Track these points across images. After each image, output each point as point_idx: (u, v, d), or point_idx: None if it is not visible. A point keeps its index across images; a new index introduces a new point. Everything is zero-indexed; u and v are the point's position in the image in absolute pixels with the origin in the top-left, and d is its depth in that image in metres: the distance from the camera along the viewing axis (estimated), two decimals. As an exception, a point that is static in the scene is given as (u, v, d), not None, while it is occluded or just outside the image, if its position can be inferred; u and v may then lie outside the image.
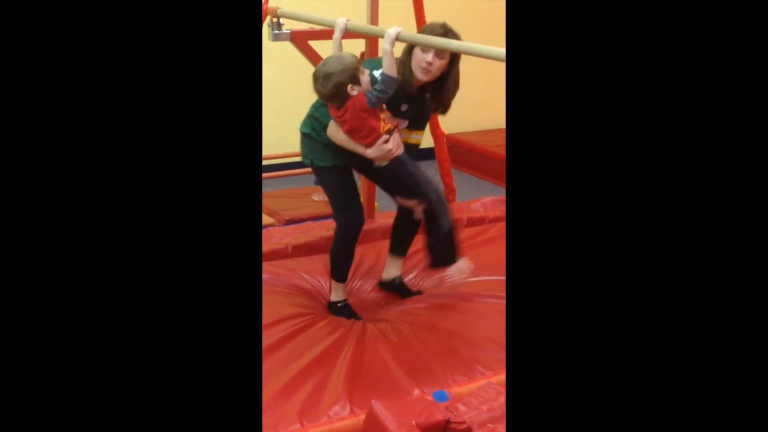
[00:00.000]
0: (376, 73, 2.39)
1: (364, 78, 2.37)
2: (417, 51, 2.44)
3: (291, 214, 3.87)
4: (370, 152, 2.43)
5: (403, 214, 2.80)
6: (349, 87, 2.35)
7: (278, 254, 3.11)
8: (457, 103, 2.64)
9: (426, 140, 2.88)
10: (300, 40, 3.14)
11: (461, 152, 5.21)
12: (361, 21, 2.82)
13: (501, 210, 3.71)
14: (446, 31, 2.42)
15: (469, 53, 2.22)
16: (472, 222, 3.55)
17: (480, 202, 3.80)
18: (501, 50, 1.90)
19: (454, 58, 2.47)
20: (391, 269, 2.91)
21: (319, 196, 4.20)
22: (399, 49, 2.42)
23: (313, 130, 2.63)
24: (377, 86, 2.36)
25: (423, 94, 2.58)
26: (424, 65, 2.42)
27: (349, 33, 2.56)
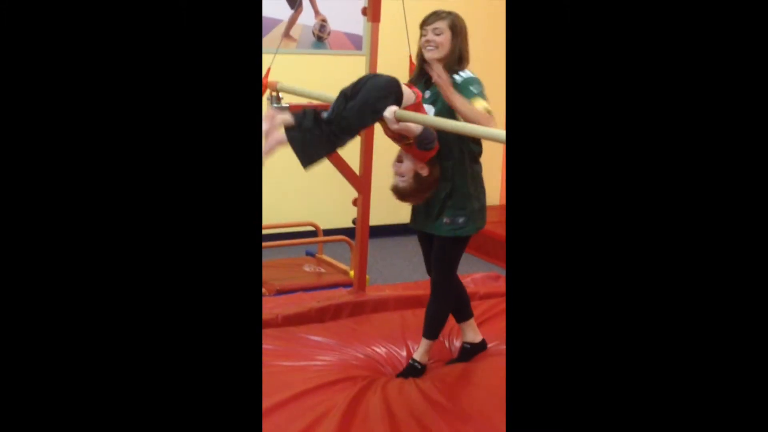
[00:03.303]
0: None
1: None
2: (421, 37, 2.62)
3: (282, 285, 3.86)
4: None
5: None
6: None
7: (268, 324, 3.10)
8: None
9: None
10: (298, 113, 3.20)
11: (453, 228, 5.23)
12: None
13: (492, 286, 3.71)
14: (448, 13, 2.62)
15: (469, 134, 2.26)
16: (462, 298, 3.54)
17: (470, 278, 3.81)
18: (501, 132, 1.95)
19: (456, 32, 2.61)
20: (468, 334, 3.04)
21: (311, 267, 4.19)
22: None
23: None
24: (422, 140, 2.47)
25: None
26: (425, 44, 2.61)
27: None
